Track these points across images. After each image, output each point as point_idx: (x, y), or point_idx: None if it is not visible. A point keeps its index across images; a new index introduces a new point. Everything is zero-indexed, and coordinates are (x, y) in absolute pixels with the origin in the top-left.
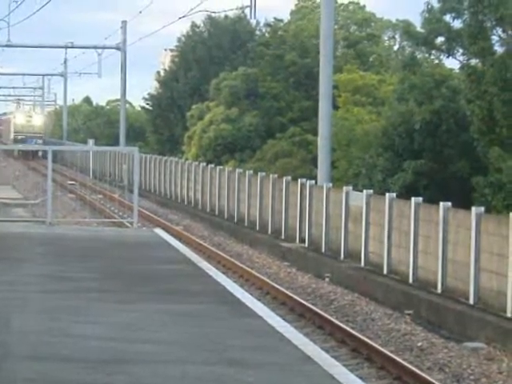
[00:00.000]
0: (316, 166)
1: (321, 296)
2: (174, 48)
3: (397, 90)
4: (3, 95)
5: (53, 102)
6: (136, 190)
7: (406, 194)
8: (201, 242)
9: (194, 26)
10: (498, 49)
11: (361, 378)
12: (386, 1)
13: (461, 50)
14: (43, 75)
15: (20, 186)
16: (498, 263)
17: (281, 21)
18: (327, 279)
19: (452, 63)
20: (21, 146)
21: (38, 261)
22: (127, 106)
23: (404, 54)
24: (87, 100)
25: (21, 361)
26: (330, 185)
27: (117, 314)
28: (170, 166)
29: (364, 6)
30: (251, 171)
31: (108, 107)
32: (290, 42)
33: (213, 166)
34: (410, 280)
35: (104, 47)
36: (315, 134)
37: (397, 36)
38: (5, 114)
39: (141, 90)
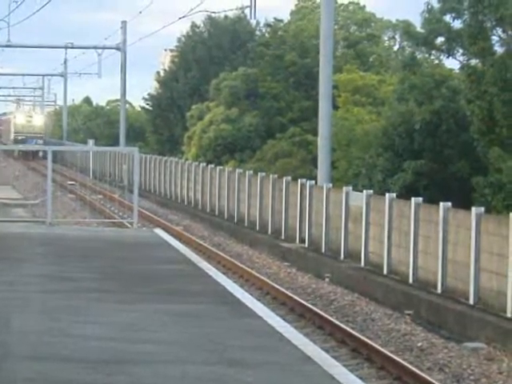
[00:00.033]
0: (316, 166)
1: (321, 296)
2: (174, 48)
3: (397, 90)
4: (3, 95)
5: (53, 103)
6: (136, 191)
7: (406, 194)
8: (201, 242)
9: (193, 26)
10: (498, 49)
11: (361, 378)
12: (385, 1)
13: (461, 50)
14: (43, 75)
15: (20, 186)
16: (498, 263)
17: (281, 21)
18: (327, 279)
19: (452, 63)
20: (21, 147)
21: (37, 261)
22: (127, 106)
23: (404, 54)
24: (87, 100)
25: (21, 361)
26: (330, 185)
27: (117, 314)
28: (169, 166)
29: (364, 7)
30: (251, 171)
31: (108, 107)
32: (290, 42)
33: (213, 166)
34: (410, 280)
35: (104, 47)
36: (315, 134)
37: (397, 36)
38: (5, 114)
39: (141, 90)
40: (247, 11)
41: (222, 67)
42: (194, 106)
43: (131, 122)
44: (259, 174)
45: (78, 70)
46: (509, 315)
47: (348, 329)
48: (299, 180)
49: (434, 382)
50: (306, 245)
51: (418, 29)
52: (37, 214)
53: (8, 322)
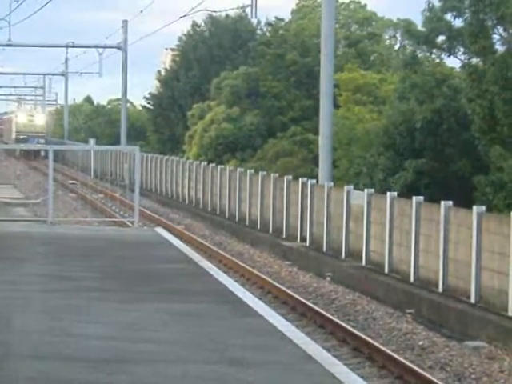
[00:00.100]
0: (317, 165)
1: (322, 295)
2: (175, 47)
3: (398, 88)
4: (4, 95)
5: (54, 102)
6: (137, 190)
7: (407, 192)
8: (202, 241)
9: (194, 25)
10: (499, 47)
11: (362, 377)
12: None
13: (462, 49)
14: (44, 74)
15: (21, 186)
16: (499, 262)
17: (282, 20)
18: (328, 278)
19: (453, 62)
20: (22, 146)
21: (39, 260)
22: (128, 105)
23: (405, 53)
24: (88, 99)
25: (22, 360)
26: (331, 184)
27: (118, 313)
28: (171, 165)
29: (365, 5)
30: (252, 170)
31: (109, 106)
32: (291, 41)
33: (214, 165)
34: (412, 279)
35: (105, 46)
36: (316, 133)
37: (398, 35)
38: (6, 113)
39: (142, 90)
40: (248, 10)
41: (223, 66)
42: (195, 105)
43: (132, 121)
44: (260, 173)
45: (79, 70)
46: (510, 314)
47: (349, 328)
48: (300, 179)
49: (435, 380)
50: (307, 244)
51: (419, 27)
52: (38, 213)
53: (9, 322)
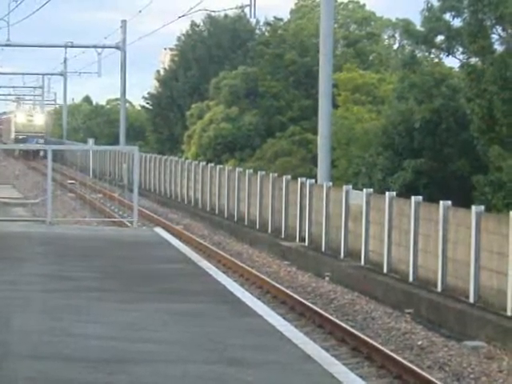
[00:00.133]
0: (316, 165)
1: (321, 295)
2: (174, 47)
3: (396, 88)
4: (3, 95)
5: (52, 102)
6: (136, 189)
7: (405, 192)
8: (201, 241)
9: (193, 25)
10: (498, 47)
11: (361, 376)
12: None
13: (460, 49)
14: (43, 74)
15: (20, 186)
16: (498, 262)
17: (280, 20)
18: (327, 278)
19: (452, 62)
20: (21, 146)
21: (38, 260)
22: (127, 105)
23: (404, 53)
24: (87, 99)
25: (22, 360)
26: (330, 184)
27: (117, 313)
28: (169, 165)
29: (364, 5)
30: (251, 170)
31: (108, 106)
32: (290, 40)
33: (213, 165)
34: (410, 279)
35: (104, 46)
36: (315, 132)
37: (396, 35)
38: (4, 113)
39: (141, 90)
40: (247, 10)
41: (221, 66)
42: (193, 105)
43: (131, 121)
44: (259, 172)
45: (77, 69)
46: (509, 314)
47: (348, 327)
48: (299, 179)
49: (434, 380)
50: (306, 243)
51: (418, 27)
52: (37, 213)
53: (9, 322)
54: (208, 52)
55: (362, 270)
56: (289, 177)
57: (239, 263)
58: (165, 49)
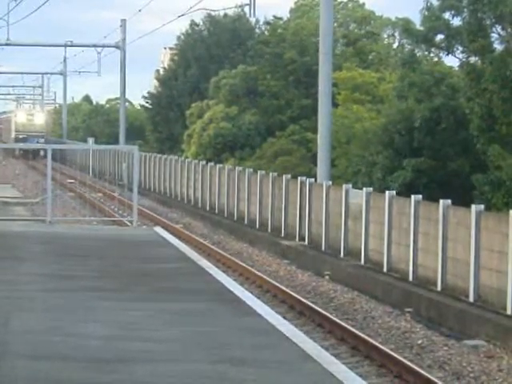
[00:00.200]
0: (315, 164)
1: (321, 294)
2: (174, 46)
3: (396, 87)
4: (2, 94)
5: (52, 101)
6: (136, 189)
7: (405, 191)
8: (201, 240)
9: (193, 24)
10: (498, 46)
11: (361, 375)
12: None
13: (460, 48)
14: (43, 74)
15: (20, 185)
16: (497, 261)
17: (280, 19)
18: (327, 277)
19: (451, 61)
20: (21, 145)
21: (38, 260)
22: (127, 104)
23: (403, 52)
24: (87, 98)
25: (21, 360)
26: (330, 183)
27: (117, 312)
28: (169, 164)
29: (363, 4)
30: (251, 169)
31: (108, 106)
32: (290, 40)
33: (212, 164)
34: (410, 278)
35: (103, 46)
36: (315, 131)
37: (396, 34)
38: (4, 112)
39: (140, 89)
40: (247, 9)
41: (221, 65)
42: (193, 104)
43: (131, 121)
44: (259, 171)
45: (77, 69)
46: (509, 312)
47: (348, 326)
48: (299, 178)
49: (434, 379)
50: (306, 242)
51: (418, 26)
52: (37, 212)
53: (8, 321)
54: (208, 51)
55: (362, 269)
56: (288, 176)
57: (239, 262)
58: (164, 48)
